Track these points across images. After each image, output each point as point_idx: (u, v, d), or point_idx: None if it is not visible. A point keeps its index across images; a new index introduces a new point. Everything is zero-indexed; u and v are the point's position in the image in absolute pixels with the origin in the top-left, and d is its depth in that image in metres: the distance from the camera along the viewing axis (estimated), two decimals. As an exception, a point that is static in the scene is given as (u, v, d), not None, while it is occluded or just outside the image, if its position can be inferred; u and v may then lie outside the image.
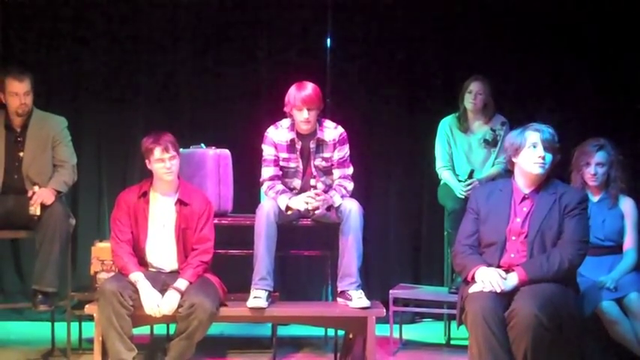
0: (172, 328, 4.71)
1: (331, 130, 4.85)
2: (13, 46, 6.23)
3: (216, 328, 4.94)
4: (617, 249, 4.76)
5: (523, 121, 4.36)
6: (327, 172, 4.88)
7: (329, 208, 4.72)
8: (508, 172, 4.51)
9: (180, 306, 4.41)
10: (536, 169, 4.16)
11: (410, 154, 6.34)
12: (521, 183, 4.24)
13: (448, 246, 5.47)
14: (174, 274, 4.56)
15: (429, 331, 6.00)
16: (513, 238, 4.16)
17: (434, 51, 6.35)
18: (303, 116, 4.72)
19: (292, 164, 4.86)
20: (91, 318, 4.58)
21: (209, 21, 6.33)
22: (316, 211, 4.71)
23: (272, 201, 4.75)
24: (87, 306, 4.56)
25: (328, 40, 6.37)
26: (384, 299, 5.20)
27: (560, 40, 6.22)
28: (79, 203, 6.22)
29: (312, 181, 4.80)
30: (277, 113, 4.90)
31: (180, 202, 4.64)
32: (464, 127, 5.57)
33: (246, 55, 6.34)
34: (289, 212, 4.73)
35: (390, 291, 5.41)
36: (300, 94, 4.72)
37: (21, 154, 5.07)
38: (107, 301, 4.35)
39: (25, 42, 6.23)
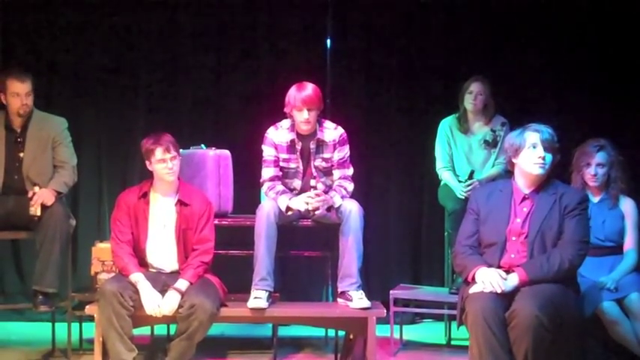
0: (173, 328, 4.71)
1: (331, 131, 4.85)
2: (13, 47, 6.24)
3: (216, 329, 4.94)
4: (617, 249, 4.76)
5: (523, 122, 4.36)
6: (327, 172, 4.88)
7: (329, 208, 4.72)
8: (508, 172, 4.51)
9: (180, 306, 4.41)
10: (537, 170, 4.16)
11: (410, 154, 6.34)
12: (522, 183, 4.24)
13: (448, 246, 5.47)
14: (175, 275, 4.56)
15: (429, 331, 5.99)
16: (513, 238, 4.16)
17: (434, 51, 6.35)
18: (303, 117, 4.72)
19: (292, 165, 4.87)
20: (91, 318, 4.59)
21: (209, 21, 6.34)
22: (316, 212, 4.71)
23: (272, 201, 4.75)
24: (87, 306, 4.57)
25: (328, 41, 6.37)
26: (385, 300, 5.20)
27: (561, 40, 6.23)
28: (79, 204, 6.22)
29: (313, 182, 4.80)
30: (277, 114, 4.90)
31: (180, 203, 4.64)
32: (464, 127, 5.57)
33: (246, 56, 6.35)
34: (289, 213, 4.73)
35: (391, 291, 5.40)
36: (300, 94, 4.73)
37: (21, 154, 5.07)
38: (107, 302, 4.35)
39: (25, 42, 6.23)
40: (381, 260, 6.26)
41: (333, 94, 6.17)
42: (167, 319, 4.53)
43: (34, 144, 5.08)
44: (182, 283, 4.48)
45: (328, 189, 4.83)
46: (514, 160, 4.24)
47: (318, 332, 5.52)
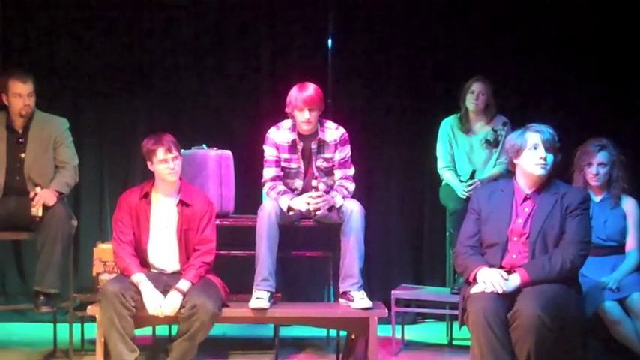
0: (174, 329, 4.70)
1: (332, 131, 4.85)
2: (13, 47, 6.24)
3: (218, 329, 4.94)
4: (619, 249, 4.76)
5: (524, 122, 4.36)
6: (328, 172, 4.88)
7: (330, 208, 4.72)
8: (509, 172, 4.50)
9: (182, 307, 4.41)
10: (538, 171, 4.16)
11: (411, 154, 6.34)
12: (523, 184, 4.24)
13: (450, 246, 5.47)
14: (176, 275, 4.57)
15: (431, 331, 6.00)
16: (515, 238, 4.16)
17: (435, 51, 6.35)
18: (304, 117, 4.72)
19: (293, 165, 4.87)
20: (93, 319, 4.60)
21: (210, 22, 6.33)
22: (318, 212, 4.72)
23: (273, 202, 4.76)
24: (89, 307, 4.57)
25: (329, 41, 6.37)
26: (386, 300, 5.20)
27: (561, 40, 6.22)
28: (81, 204, 6.22)
29: (314, 182, 4.79)
30: (279, 114, 4.91)
31: (182, 203, 4.64)
32: (465, 127, 5.57)
33: (247, 56, 6.35)
34: (291, 213, 4.73)
35: (392, 291, 5.40)
36: (302, 94, 4.73)
37: (23, 155, 5.08)
38: (109, 302, 4.35)
39: (25, 43, 6.23)
40: (382, 260, 6.26)
41: (334, 94, 6.17)
42: (169, 320, 4.53)
43: (36, 144, 5.08)
44: (184, 284, 4.48)
45: (329, 189, 4.83)
46: (515, 161, 4.23)
47: (320, 332, 5.52)
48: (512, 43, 6.25)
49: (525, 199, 4.21)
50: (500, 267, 4.13)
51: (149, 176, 4.72)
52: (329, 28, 6.36)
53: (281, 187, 4.80)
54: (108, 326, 4.36)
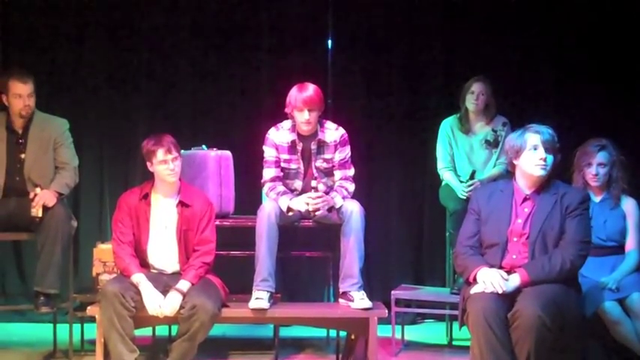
0: (174, 329, 4.71)
1: (332, 132, 4.85)
2: (13, 48, 6.24)
3: (218, 330, 4.94)
4: (619, 249, 4.75)
5: (524, 122, 4.36)
6: (328, 173, 4.88)
7: (330, 209, 4.72)
8: (509, 172, 4.50)
9: (182, 307, 4.41)
10: (538, 172, 4.16)
11: (411, 154, 6.34)
12: (523, 184, 4.24)
13: (450, 247, 5.47)
14: (176, 276, 4.57)
15: (430, 331, 6.00)
16: (515, 239, 4.16)
17: (435, 51, 6.35)
18: (304, 117, 4.72)
19: (293, 165, 4.87)
20: (93, 319, 4.60)
21: (210, 22, 6.33)
22: (317, 213, 4.71)
23: (273, 202, 4.76)
24: (89, 307, 4.58)
25: (329, 41, 6.37)
26: (386, 300, 5.21)
27: (561, 40, 6.22)
28: (80, 205, 6.22)
29: (313, 183, 4.79)
30: (278, 115, 4.91)
31: (181, 204, 4.64)
32: (465, 127, 5.57)
33: (247, 57, 6.35)
34: (290, 213, 4.73)
35: (392, 292, 5.40)
36: (301, 95, 4.73)
37: (22, 156, 5.08)
38: (109, 303, 4.35)
39: (25, 43, 6.23)
40: (382, 260, 6.26)
41: (334, 94, 6.17)
42: (169, 320, 4.53)
43: (36, 145, 5.08)
44: (183, 284, 4.48)
45: (329, 189, 4.83)
46: (515, 162, 4.23)
47: (320, 333, 5.52)
48: (512, 43, 6.26)
49: (525, 199, 4.21)
50: (500, 267, 4.12)
51: (149, 177, 4.72)
52: (329, 28, 6.36)
53: (281, 188, 4.80)
54: (108, 327, 4.36)
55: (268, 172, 4.86)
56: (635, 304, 4.52)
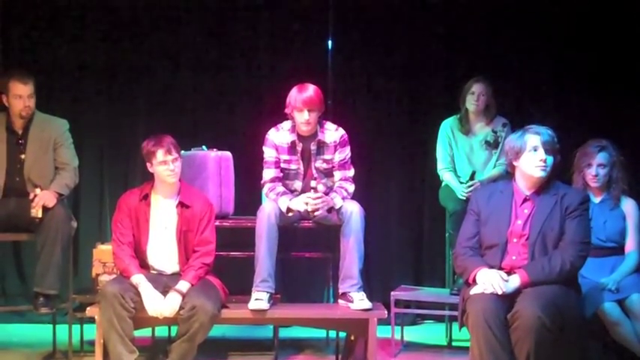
0: (174, 330, 4.71)
1: (332, 132, 4.85)
2: (13, 48, 6.23)
3: (217, 330, 4.94)
4: (618, 250, 4.75)
5: (524, 123, 4.36)
6: (327, 174, 4.88)
7: (330, 209, 4.72)
8: (509, 173, 4.50)
9: (181, 308, 4.41)
10: (538, 173, 4.16)
11: (411, 155, 6.34)
12: (522, 185, 4.24)
13: (449, 247, 5.46)
14: (176, 277, 4.57)
15: (430, 332, 6.00)
16: (514, 240, 4.16)
17: (435, 52, 6.35)
18: (304, 117, 4.72)
19: (293, 166, 4.87)
20: (92, 320, 4.59)
21: (210, 22, 6.33)
22: (316, 213, 4.71)
23: (273, 203, 4.75)
24: (88, 308, 4.57)
25: (329, 42, 6.37)
26: (386, 301, 5.21)
27: (561, 40, 6.22)
28: (80, 206, 6.22)
29: (313, 183, 4.79)
30: (278, 115, 4.90)
31: (181, 205, 4.64)
32: (465, 128, 5.57)
33: (247, 57, 6.35)
34: (290, 214, 4.73)
35: (392, 292, 5.41)
36: (301, 95, 4.73)
37: (22, 156, 5.08)
38: (108, 304, 4.35)
39: (25, 43, 6.22)
40: (382, 261, 6.26)
41: (334, 94, 6.17)
42: (168, 321, 4.53)
43: (36, 146, 5.08)
44: (183, 285, 4.48)
45: (329, 190, 4.83)
46: (515, 163, 4.22)
47: (319, 333, 5.52)
48: (512, 43, 6.26)
49: (525, 200, 4.21)
50: (500, 268, 4.12)
51: (149, 177, 4.72)
52: (329, 28, 6.36)
53: (280, 188, 4.80)
54: (107, 327, 4.36)
55: (268, 173, 4.86)
56: (634, 305, 4.52)
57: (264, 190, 4.87)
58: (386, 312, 4.70)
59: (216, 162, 5.22)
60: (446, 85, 6.22)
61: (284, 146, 4.84)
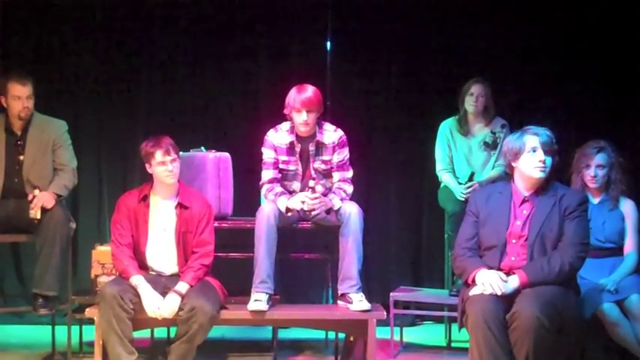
0: (173, 331, 4.71)
1: (331, 133, 4.85)
2: (12, 49, 6.23)
3: (216, 331, 4.94)
4: (617, 251, 4.75)
5: (523, 124, 4.36)
6: (326, 174, 4.88)
7: (329, 210, 4.72)
8: (508, 174, 4.50)
9: (180, 309, 4.41)
10: (537, 174, 4.16)
11: (410, 156, 6.34)
12: (521, 186, 4.24)
13: (449, 248, 5.46)
14: (175, 278, 4.57)
15: (429, 333, 5.99)
16: (513, 241, 4.16)
17: (434, 53, 6.35)
18: (302, 118, 4.72)
19: (292, 167, 4.87)
20: (91, 321, 4.58)
21: (209, 22, 6.33)
22: (313, 213, 4.72)
23: (272, 204, 4.75)
24: (87, 309, 4.57)
25: (328, 43, 6.37)
26: (385, 302, 5.21)
27: (562, 41, 6.22)
28: (79, 207, 6.22)
29: (311, 182, 4.80)
30: (277, 116, 4.91)
31: (180, 206, 4.64)
32: (464, 129, 5.57)
33: (246, 58, 6.34)
34: (289, 214, 4.73)
35: (391, 293, 5.40)
36: (300, 96, 4.73)
37: (21, 157, 5.07)
38: (108, 305, 4.35)
39: (24, 44, 6.22)
40: (381, 262, 6.26)
41: (333, 95, 6.17)
42: (167, 322, 4.54)
43: (35, 147, 5.08)
44: (182, 286, 4.48)
45: (328, 191, 4.83)
46: (514, 164, 4.22)
47: (318, 335, 5.51)
48: (512, 43, 6.26)
49: (524, 201, 4.21)
50: (499, 269, 4.12)
51: (148, 178, 4.72)
52: (329, 28, 6.36)
53: (279, 189, 4.80)
54: (106, 329, 4.36)
55: (267, 174, 4.86)
56: (633, 306, 4.52)
57: (263, 190, 4.87)
58: (385, 313, 4.70)
59: (215, 163, 5.22)
60: (445, 85, 6.21)
61: (283, 147, 4.84)
